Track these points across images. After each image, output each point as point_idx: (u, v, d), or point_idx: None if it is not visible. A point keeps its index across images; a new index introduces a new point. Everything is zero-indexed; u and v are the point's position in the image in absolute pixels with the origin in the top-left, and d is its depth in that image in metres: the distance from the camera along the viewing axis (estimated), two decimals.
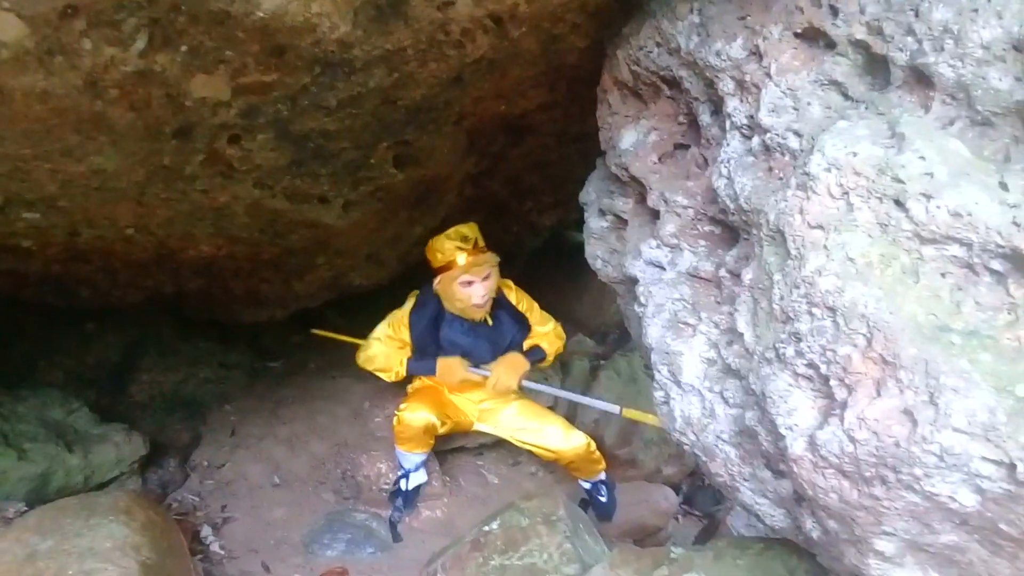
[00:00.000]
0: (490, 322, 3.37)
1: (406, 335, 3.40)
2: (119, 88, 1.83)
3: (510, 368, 3.33)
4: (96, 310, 3.69)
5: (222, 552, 3.07)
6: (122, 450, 3.22)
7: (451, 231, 3.21)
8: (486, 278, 3.22)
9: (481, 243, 3.25)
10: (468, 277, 3.19)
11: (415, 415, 3.15)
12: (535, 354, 3.44)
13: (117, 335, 3.91)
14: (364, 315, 3.68)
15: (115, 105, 1.89)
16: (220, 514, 3.31)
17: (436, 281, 3.27)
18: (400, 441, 3.22)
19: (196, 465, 3.61)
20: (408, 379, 3.47)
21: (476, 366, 3.37)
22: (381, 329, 3.46)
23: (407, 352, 3.40)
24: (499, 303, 3.41)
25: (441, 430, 3.25)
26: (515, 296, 3.49)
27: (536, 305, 3.54)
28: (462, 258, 3.17)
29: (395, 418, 3.21)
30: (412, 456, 3.26)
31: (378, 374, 3.44)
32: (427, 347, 3.38)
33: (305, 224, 3.04)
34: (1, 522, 2.68)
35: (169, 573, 2.48)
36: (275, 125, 2.26)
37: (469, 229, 3.23)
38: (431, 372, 3.36)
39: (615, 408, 3.33)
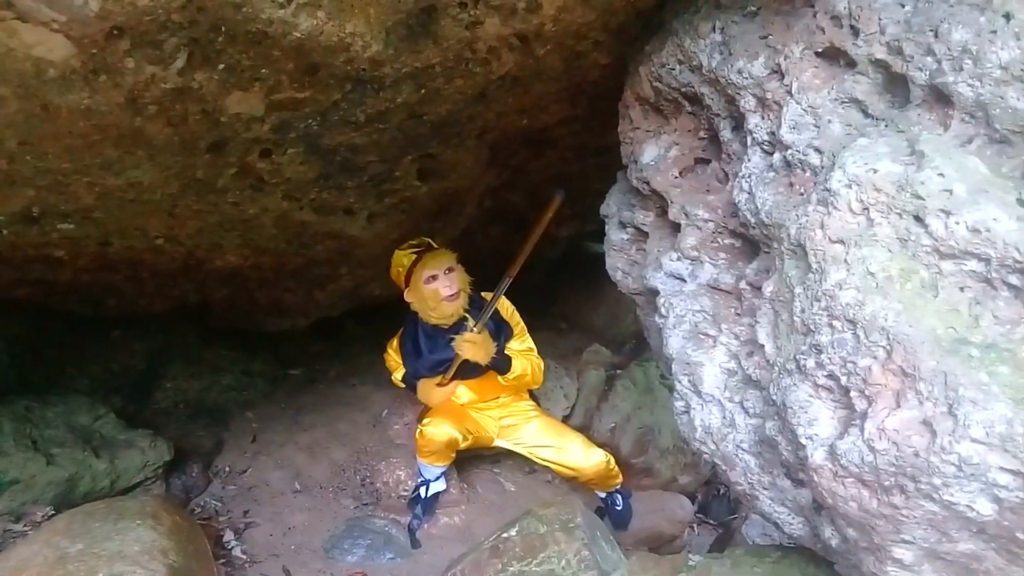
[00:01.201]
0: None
1: (400, 361, 3.54)
2: (158, 105, 1.88)
3: (481, 346, 3.25)
4: (122, 318, 3.74)
5: (244, 557, 3.09)
6: (147, 456, 3.25)
7: (403, 245, 3.29)
8: (449, 271, 3.23)
9: (434, 245, 3.31)
10: (430, 271, 3.21)
11: (438, 430, 3.18)
12: (501, 364, 3.32)
13: (142, 343, 3.96)
14: (381, 324, 3.74)
15: (153, 121, 1.93)
16: (242, 519, 3.33)
17: (407, 294, 3.32)
18: (422, 454, 3.26)
19: (218, 471, 3.64)
20: None
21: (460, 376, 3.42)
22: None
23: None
24: (480, 307, 3.40)
25: (463, 445, 3.28)
26: (507, 311, 3.48)
27: (524, 328, 3.50)
28: (418, 258, 3.24)
29: (418, 431, 3.24)
30: (433, 468, 3.30)
31: None
32: (417, 371, 3.46)
33: (330, 235, 3.09)
34: (30, 525, 2.72)
35: None
36: (305, 140, 2.31)
37: (418, 240, 3.32)
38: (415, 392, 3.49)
39: None
